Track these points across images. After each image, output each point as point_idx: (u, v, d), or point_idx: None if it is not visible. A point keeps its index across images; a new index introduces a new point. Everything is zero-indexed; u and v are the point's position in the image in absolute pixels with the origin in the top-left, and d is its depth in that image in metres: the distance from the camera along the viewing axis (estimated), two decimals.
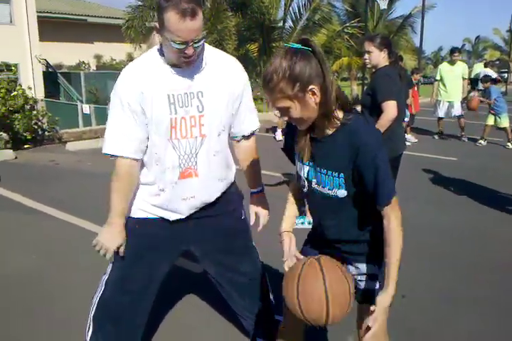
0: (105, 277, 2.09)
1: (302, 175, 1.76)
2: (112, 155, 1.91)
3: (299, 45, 1.54)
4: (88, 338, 2.09)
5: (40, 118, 9.10)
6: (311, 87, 1.50)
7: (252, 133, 2.18)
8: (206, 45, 1.94)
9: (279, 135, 9.59)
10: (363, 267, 1.79)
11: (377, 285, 1.78)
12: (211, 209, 2.10)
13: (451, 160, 7.61)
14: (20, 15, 13.29)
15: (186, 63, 1.82)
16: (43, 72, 14.58)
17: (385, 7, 16.64)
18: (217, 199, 2.10)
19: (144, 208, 2.03)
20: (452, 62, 9.14)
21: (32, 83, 12.03)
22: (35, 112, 8.86)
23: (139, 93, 1.83)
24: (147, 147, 1.93)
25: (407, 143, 8.67)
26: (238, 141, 2.17)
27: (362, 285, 1.81)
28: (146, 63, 1.89)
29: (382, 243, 1.67)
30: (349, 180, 1.62)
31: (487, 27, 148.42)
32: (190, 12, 1.67)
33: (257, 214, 2.26)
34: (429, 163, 7.42)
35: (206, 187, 2.01)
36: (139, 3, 13.97)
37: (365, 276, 1.79)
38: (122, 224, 1.98)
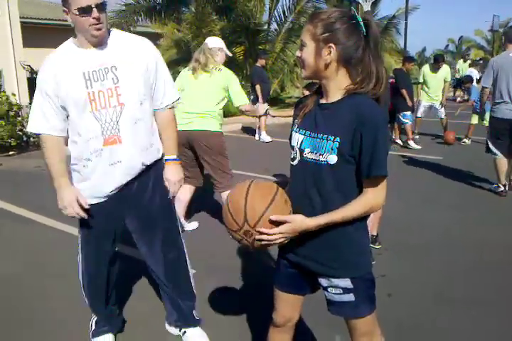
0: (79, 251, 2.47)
1: (295, 146, 1.77)
2: (35, 133, 2.29)
3: (360, 19, 1.63)
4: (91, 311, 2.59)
5: (25, 124, 9.01)
6: (331, 44, 1.60)
7: (172, 104, 2.43)
8: (114, 29, 2.27)
9: (266, 137, 9.60)
10: (335, 281, 1.75)
11: (353, 298, 1.75)
12: (143, 183, 2.34)
13: (436, 159, 7.67)
14: (3, 22, 13.16)
15: (97, 30, 2.06)
16: (28, 78, 14.46)
17: (369, 9, 16.79)
18: (148, 172, 2.34)
19: (82, 193, 2.26)
20: (436, 69, 9.17)
21: (16, 89, 11.88)
22: (19, 118, 8.80)
23: (52, 80, 2.13)
24: (70, 125, 2.21)
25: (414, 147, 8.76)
26: (159, 112, 2.38)
27: (337, 298, 1.77)
28: (60, 50, 2.21)
29: (357, 250, 1.73)
30: (344, 145, 1.62)
31: (469, 27, 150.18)
32: None
33: (168, 180, 2.42)
34: (415, 162, 7.48)
35: (131, 152, 2.23)
36: (123, 7, 13.93)
37: (339, 289, 1.75)
38: (66, 182, 2.27)
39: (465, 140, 9.08)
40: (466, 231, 4.37)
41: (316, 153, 1.68)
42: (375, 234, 3.93)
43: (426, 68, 9.39)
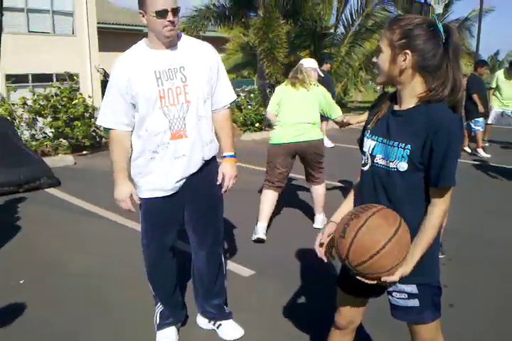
0: (141, 242, 2.61)
1: (367, 151, 1.80)
2: (105, 128, 2.49)
3: (441, 27, 1.63)
4: (153, 297, 2.75)
5: (98, 125, 9.45)
6: (407, 51, 1.62)
7: (227, 105, 2.59)
8: (182, 34, 2.45)
9: (328, 142, 9.57)
10: (401, 286, 1.76)
11: (418, 303, 1.76)
12: (198, 178, 2.48)
13: (507, 168, 7.36)
14: (82, 27, 13.88)
15: (170, 32, 2.22)
16: (101, 81, 15.16)
17: (441, 11, 16.28)
18: (203, 168, 2.48)
19: (148, 186, 2.45)
20: (510, 75, 8.70)
21: (91, 92, 12.52)
22: (93, 120, 9.23)
23: (126, 79, 2.29)
24: (138, 121, 2.37)
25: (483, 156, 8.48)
26: (217, 112, 2.55)
27: (400, 302, 1.78)
28: (132, 51, 2.38)
29: (429, 260, 1.71)
30: (415, 153, 1.63)
31: None
32: None
33: (224, 175, 2.57)
34: (484, 171, 7.21)
35: (195, 147, 2.40)
36: (195, 13, 14.30)
37: (404, 294, 1.77)
38: (125, 177, 2.48)
39: None
40: None
41: (387, 160, 1.70)
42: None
43: (500, 74, 8.93)
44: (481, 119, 8.31)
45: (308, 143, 4.27)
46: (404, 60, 1.63)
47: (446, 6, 19.42)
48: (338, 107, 4.55)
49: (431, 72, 1.64)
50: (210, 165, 2.54)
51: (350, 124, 4.48)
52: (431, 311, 1.78)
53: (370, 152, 1.77)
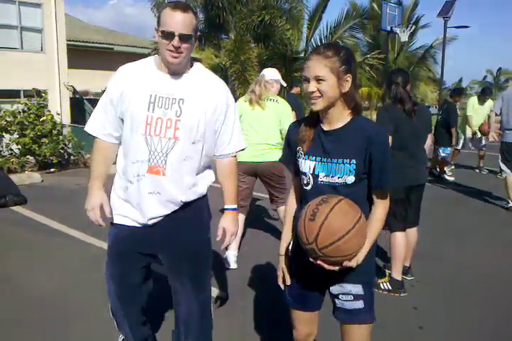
0: (106, 273, 2.36)
1: (307, 172, 1.91)
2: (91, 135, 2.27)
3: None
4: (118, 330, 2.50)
5: (67, 142, 9.34)
6: (349, 75, 1.79)
7: (233, 154, 2.32)
8: (198, 64, 2.21)
9: None
10: (347, 286, 1.90)
11: (363, 305, 1.90)
12: (181, 220, 2.20)
13: (469, 191, 7.58)
14: (51, 44, 13.78)
15: (173, 58, 2.01)
16: (70, 98, 14.99)
17: (406, 39, 16.88)
18: (187, 210, 2.20)
19: (119, 212, 2.22)
20: (483, 101, 9.02)
21: (59, 109, 12.35)
22: (61, 137, 9.11)
23: (120, 91, 2.11)
24: (123, 138, 2.18)
25: (449, 179, 8.70)
26: (221, 159, 2.31)
27: (346, 305, 1.92)
28: (139, 65, 2.17)
29: (370, 259, 1.88)
30: (360, 166, 1.81)
31: (508, 59, 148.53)
32: (181, 5, 1.99)
33: (224, 230, 2.32)
34: (448, 194, 7.40)
35: (172, 187, 2.12)
36: None
37: (350, 296, 1.90)
38: (100, 187, 2.27)
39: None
40: (500, 266, 4.31)
41: (332, 177, 1.85)
42: (407, 265, 3.92)
43: (474, 101, 9.08)
44: (449, 147, 8.51)
45: (267, 164, 4.18)
46: (347, 83, 1.80)
47: (412, 35, 20.14)
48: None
49: (354, 91, 1.84)
50: (196, 207, 2.24)
51: None
52: (371, 312, 1.94)
53: (311, 172, 1.89)
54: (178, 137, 2.08)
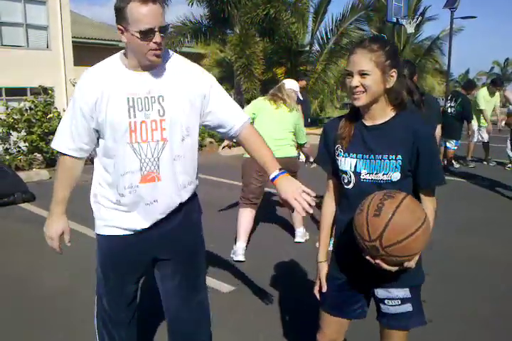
0: (96, 289, 2.19)
1: (348, 170, 1.82)
2: (57, 151, 2.02)
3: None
4: None
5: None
6: (394, 70, 1.72)
7: (246, 124, 2.10)
8: (168, 51, 1.99)
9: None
10: (394, 291, 1.80)
11: (411, 308, 1.81)
12: (173, 221, 2.06)
13: (482, 185, 7.54)
14: (57, 41, 13.82)
15: (156, 57, 1.82)
16: None
17: (412, 31, 16.74)
18: (179, 210, 2.06)
19: (108, 223, 2.04)
20: (493, 93, 8.91)
21: (66, 106, 12.39)
22: None
23: (91, 100, 1.87)
24: (103, 150, 1.96)
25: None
26: (238, 136, 2.10)
27: (393, 309, 1.82)
28: (105, 67, 1.93)
29: (419, 260, 1.75)
30: (405, 162, 1.73)
31: None
32: None
33: (287, 199, 1.91)
34: (459, 187, 7.37)
35: (169, 191, 1.98)
36: (171, 29, 14.37)
37: (397, 301, 1.81)
38: (61, 211, 2.12)
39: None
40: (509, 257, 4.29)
41: (376, 174, 1.76)
42: None
43: (485, 93, 8.93)
44: (459, 140, 8.40)
45: (283, 160, 4.10)
46: (392, 78, 1.72)
47: (418, 26, 19.97)
48: (305, 134, 4.68)
49: (400, 87, 1.78)
50: (189, 204, 2.11)
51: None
52: (420, 315, 1.85)
53: (352, 170, 1.81)
54: (166, 138, 1.92)
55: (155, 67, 1.89)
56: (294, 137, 4.48)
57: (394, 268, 1.64)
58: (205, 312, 2.25)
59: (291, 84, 4.64)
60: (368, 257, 1.63)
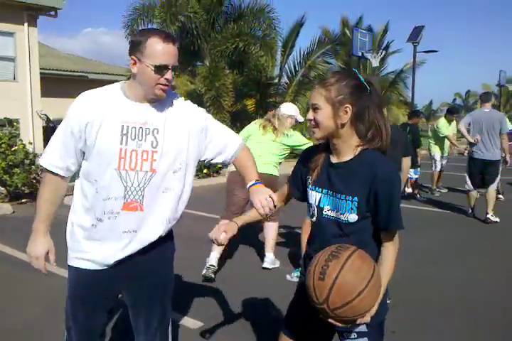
0: (65, 321, 2.14)
1: (313, 203, 1.82)
2: (44, 168, 2.01)
3: (363, 80, 1.73)
4: None
5: (39, 172, 9.16)
6: (347, 105, 1.68)
7: (240, 148, 2.18)
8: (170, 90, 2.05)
9: None
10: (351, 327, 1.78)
11: None
12: (148, 255, 2.03)
13: (444, 213, 7.64)
14: (24, 73, 13.68)
15: (162, 90, 1.89)
16: (43, 126, 14.84)
17: (377, 65, 17.26)
18: (156, 244, 2.03)
19: (78, 255, 2.02)
20: (451, 121, 9.20)
21: (32, 138, 12.21)
22: (34, 167, 8.94)
23: (85, 122, 1.89)
24: (85, 173, 1.97)
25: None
26: (237, 156, 2.18)
27: None
28: (104, 93, 1.97)
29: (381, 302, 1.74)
30: (362, 204, 1.70)
31: (476, 82, 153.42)
32: (171, 37, 1.87)
33: (259, 203, 1.97)
34: (422, 216, 7.45)
35: (150, 223, 1.97)
36: None
37: (354, 334, 1.81)
38: (45, 230, 2.05)
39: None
40: (477, 287, 4.32)
41: (336, 212, 1.75)
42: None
43: (444, 123, 9.18)
44: (418, 169, 8.71)
45: (264, 175, 4.07)
46: (345, 114, 1.70)
47: (382, 60, 20.65)
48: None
49: (364, 123, 1.72)
50: (165, 241, 2.09)
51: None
52: None
53: (316, 204, 1.81)
54: (155, 169, 1.93)
55: (156, 101, 1.95)
56: (279, 159, 4.53)
57: (348, 325, 1.65)
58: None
59: (286, 109, 4.58)
60: (320, 316, 1.63)
